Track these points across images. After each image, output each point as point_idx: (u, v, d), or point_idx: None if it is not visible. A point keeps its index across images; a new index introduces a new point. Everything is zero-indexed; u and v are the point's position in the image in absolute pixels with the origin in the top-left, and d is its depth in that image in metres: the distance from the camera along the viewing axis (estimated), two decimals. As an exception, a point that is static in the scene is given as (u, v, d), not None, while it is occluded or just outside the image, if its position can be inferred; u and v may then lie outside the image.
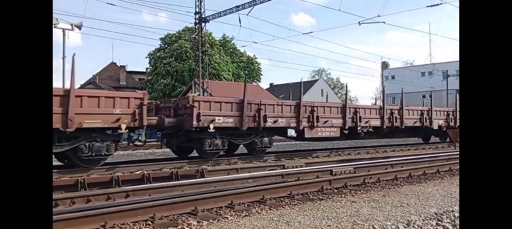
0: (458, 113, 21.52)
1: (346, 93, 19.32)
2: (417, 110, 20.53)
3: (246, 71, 48.37)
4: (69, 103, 10.22)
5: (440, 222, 5.19)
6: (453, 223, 5.18)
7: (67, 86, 12.37)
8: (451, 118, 21.96)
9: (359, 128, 17.03)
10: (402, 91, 20.94)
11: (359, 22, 27.56)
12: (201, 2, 31.17)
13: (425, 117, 20.38)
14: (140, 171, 10.31)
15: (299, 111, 14.97)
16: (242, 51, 49.08)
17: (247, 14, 27.76)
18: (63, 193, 7.18)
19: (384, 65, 64.94)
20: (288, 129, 15.31)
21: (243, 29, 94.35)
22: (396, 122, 18.68)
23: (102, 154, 11.01)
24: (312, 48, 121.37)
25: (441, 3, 22.68)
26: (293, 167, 10.73)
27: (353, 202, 6.36)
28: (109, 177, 8.78)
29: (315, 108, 15.61)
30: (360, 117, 17.05)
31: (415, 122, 20.00)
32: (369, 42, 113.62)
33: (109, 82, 45.88)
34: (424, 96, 54.06)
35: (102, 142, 10.97)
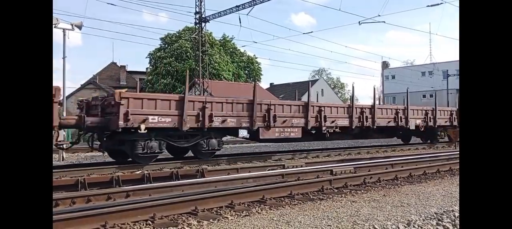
0: (437, 112, 20.91)
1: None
2: (391, 109, 19.33)
3: (246, 71, 48.40)
4: None
5: (440, 222, 5.19)
6: (453, 223, 5.18)
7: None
8: (429, 118, 20.71)
9: (324, 128, 15.70)
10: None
11: (359, 22, 27.53)
12: (201, 2, 31.19)
13: (400, 117, 19.00)
14: (140, 171, 10.31)
15: (253, 110, 13.60)
16: (242, 51, 49.12)
17: (247, 14, 27.82)
18: (63, 193, 7.18)
19: (384, 65, 64.95)
20: (240, 130, 13.88)
21: (243, 29, 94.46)
22: (366, 121, 17.29)
23: None
24: (312, 48, 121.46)
25: (441, 3, 22.69)
26: (293, 167, 10.73)
27: (353, 202, 6.36)
28: (109, 177, 8.78)
29: (272, 107, 14.22)
30: (325, 116, 15.72)
31: (389, 122, 18.59)
32: (369, 41, 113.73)
33: (109, 82, 45.91)
34: (424, 96, 54.17)
35: None
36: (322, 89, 53.76)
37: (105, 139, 12.23)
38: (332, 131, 16.13)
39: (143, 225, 5.07)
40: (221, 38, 46.93)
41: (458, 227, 5.00)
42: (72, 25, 17.52)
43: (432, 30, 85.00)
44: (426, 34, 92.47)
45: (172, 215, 5.43)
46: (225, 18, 52.03)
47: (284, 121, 14.58)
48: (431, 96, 52.67)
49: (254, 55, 50.54)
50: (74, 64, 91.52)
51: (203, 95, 26.36)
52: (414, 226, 4.98)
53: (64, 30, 16.97)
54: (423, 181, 8.86)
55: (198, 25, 32.14)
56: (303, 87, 52.12)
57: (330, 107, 16.55)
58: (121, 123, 11.10)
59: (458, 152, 3.18)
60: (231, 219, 5.29)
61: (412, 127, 19.67)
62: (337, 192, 7.41)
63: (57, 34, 17.21)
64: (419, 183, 8.56)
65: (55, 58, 27.68)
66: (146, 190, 7.17)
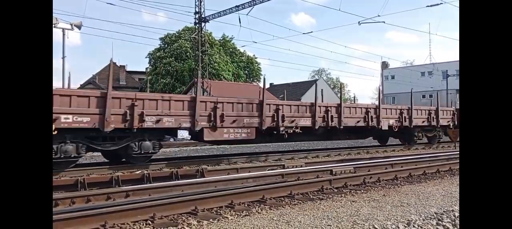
0: (413, 112, 19.47)
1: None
2: (361, 108, 17.80)
3: (246, 71, 48.43)
4: None
5: (440, 222, 5.19)
6: (453, 222, 5.18)
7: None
8: (405, 117, 19.17)
9: (282, 128, 14.36)
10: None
11: (359, 22, 27.56)
12: (201, 2, 31.20)
13: (371, 116, 17.54)
14: (140, 171, 10.31)
15: (195, 109, 12.23)
16: (242, 51, 49.16)
17: (247, 14, 27.85)
18: (63, 193, 7.18)
19: (384, 65, 64.98)
20: (180, 130, 12.47)
21: (243, 29, 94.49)
22: (332, 121, 15.95)
23: None
24: (312, 48, 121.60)
25: (441, 3, 22.69)
26: (293, 167, 10.73)
27: (353, 201, 6.36)
28: (109, 177, 8.79)
29: (219, 105, 12.83)
30: (283, 115, 14.36)
31: (357, 122, 17.19)
32: (369, 42, 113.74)
33: (109, 82, 45.76)
34: (424, 96, 54.17)
35: None
36: (322, 89, 53.73)
37: None
38: (291, 131, 14.76)
39: (143, 225, 5.07)
40: (221, 38, 47.00)
41: (458, 227, 5.00)
42: (71, 25, 17.54)
43: (432, 30, 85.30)
44: (425, 34, 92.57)
45: (172, 215, 5.43)
46: (225, 18, 52.11)
47: (234, 121, 13.19)
48: (430, 96, 52.75)
49: (254, 55, 50.63)
50: (73, 64, 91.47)
51: (203, 95, 26.17)
52: (414, 226, 4.98)
53: (63, 30, 16.99)
54: (423, 181, 8.86)
55: (197, 25, 32.14)
56: (304, 87, 52.17)
57: (290, 105, 15.11)
58: None
59: (458, 152, 3.18)
60: (231, 219, 5.29)
61: (385, 127, 18.24)
62: (337, 192, 7.41)
63: (56, 34, 17.25)
64: (419, 183, 8.56)
65: (55, 58, 27.68)
66: (146, 190, 7.17)
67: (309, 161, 13.54)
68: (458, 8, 2.96)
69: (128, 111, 11.13)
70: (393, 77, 64.51)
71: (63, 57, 17.10)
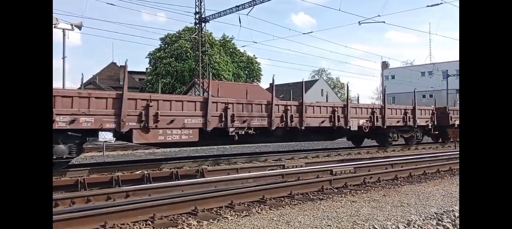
0: (386, 111, 18.13)
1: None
2: (327, 107, 16.30)
3: (246, 71, 48.45)
4: None
5: (440, 222, 5.19)
6: (453, 222, 5.18)
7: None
8: (377, 117, 17.72)
9: (231, 129, 12.94)
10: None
11: (359, 22, 27.59)
12: (201, 2, 31.20)
13: (338, 116, 16.18)
14: (140, 171, 10.31)
15: (121, 108, 10.69)
16: (242, 51, 49.18)
17: (247, 14, 27.83)
18: (63, 193, 7.18)
19: (384, 65, 65.00)
20: (102, 132, 10.70)
21: (243, 29, 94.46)
22: (292, 122, 14.55)
23: None
24: (312, 48, 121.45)
25: (441, 3, 22.69)
26: (293, 167, 10.73)
27: (353, 202, 6.36)
28: (109, 177, 8.79)
29: (153, 103, 11.29)
30: (232, 115, 12.93)
31: (322, 122, 15.76)
32: (369, 41, 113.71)
33: (109, 82, 45.89)
34: (424, 96, 54.15)
35: None
36: (322, 89, 53.80)
37: None
38: (243, 132, 13.32)
39: (143, 225, 5.07)
40: (221, 38, 47.02)
41: (458, 227, 5.00)
42: (72, 25, 17.54)
43: (432, 30, 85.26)
44: (426, 34, 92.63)
45: (172, 215, 5.43)
46: (225, 18, 52.07)
47: (172, 121, 11.62)
48: (431, 96, 52.76)
49: (254, 55, 50.64)
50: (73, 64, 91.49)
51: (203, 95, 26.05)
52: (414, 226, 4.98)
53: (64, 30, 16.99)
54: (423, 181, 8.85)
55: (198, 25, 32.14)
56: (305, 86, 52.07)
57: (242, 104, 13.59)
58: None
59: (458, 152, 3.18)
60: (231, 219, 5.29)
61: (354, 128, 16.87)
62: (337, 192, 7.41)
63: (57, 34, 17.25)
64: (419, 183, 8.56)
65: (55, 58, 27.71)
66: (146, 190, 7.17)
67: (309, 161, 13.54)
68: (458, 8, 2.96)
69: None
70: (393, 77, 64.55)
71: (63, 57, 17.11)
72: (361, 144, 19.91)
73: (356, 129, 16.98)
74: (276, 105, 14.31)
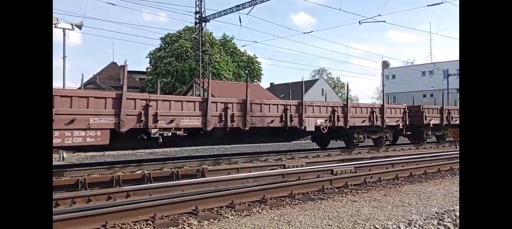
0: (349, 109, 16.62)
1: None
2: (277, 105, 14.54)
3: (247, 71, 48.42)
4: None
5: (441, 222, 5.18)
6: (454, 222, 5.17)
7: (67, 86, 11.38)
8: (338, 116, 16.13)
9: (154, 130, 11.22)
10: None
11: (359, 21, 27.52)
12: (201, 2, 31.18)
13: (291, 115, 14.45)
14: (140, 171, 10.31)
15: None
16: (242, 50, 49.16)
17: (247, 14, 27.81)
18: (64, 193, 7.18)
19: (385, 65, 64.95)
20: None
21: (243, 29, 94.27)
22: (233, 121, 12.73)
23: None
24: (312, 47, 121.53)
25: (441, 2, 22.70)
26: (293, 167, 10.72)
27: (354, 201, 6.35)
28: (110, 177, 8.80)
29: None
30: (155, 114, 11.10)
31: (271, 122, 13.95)
32: (369, 41, 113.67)
33: (109, 82, 45.93)
34: (424, 96, 54.14)
35: None
36: (322, 89, 53.77)
37: None
38: (170, 134, 11.54)
39: (143, 225, 5.07)
40: (221, 38, 47.00)
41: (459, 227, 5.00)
42: (72, 25, 17.53)
43: (432, 30, 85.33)
44: (426, 33, 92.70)
45: (173, 215, 5.42)
46: (225, 18, 52.14)
47: (72, 121, 9.81)
48: (431, 95, 52.75)
49: (254, 55, 50.63)
50: (74, 64, 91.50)
51: (203, 95, 25.98)
52: (415, 226, 4.97)
53: (64, 30, 16.99)
54: (424, 180, 8.85)
55: (198, 25, 32.14)
56: (305, 85, 52.12)
57: (169, 101, 11.77)
58: None
59: (458, 152, 3.17)
60: (232, 219, 5.29)
61: (310, 128, 15.20)
62: (337, 191, 7.41)
63: (57, 34, 17.24)
64: (420, 182, 8.55)
65: (55, 58, 27.72)
66: (147, 190, 7.17)
67: (310, 160, 13.53)
68: (458, 8, 2.95)
69: None
70: (394, 77, 64.51)
71: (64, 57, 17.09)
72: (326, 146, 18.62)
73: (313, 129, 15.36)
74: (212, 102, 12.52)
